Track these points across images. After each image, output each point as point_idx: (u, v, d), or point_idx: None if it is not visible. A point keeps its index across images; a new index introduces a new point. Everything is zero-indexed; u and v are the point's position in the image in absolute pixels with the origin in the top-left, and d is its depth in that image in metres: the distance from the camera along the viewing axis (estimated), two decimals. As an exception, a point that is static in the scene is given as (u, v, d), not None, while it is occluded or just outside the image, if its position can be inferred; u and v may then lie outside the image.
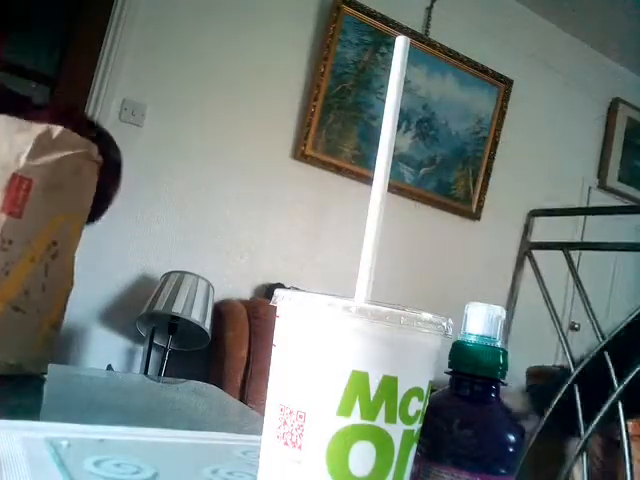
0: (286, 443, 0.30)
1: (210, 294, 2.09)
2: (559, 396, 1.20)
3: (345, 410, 0.29)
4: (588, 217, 3.11)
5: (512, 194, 2.94)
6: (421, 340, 0.31)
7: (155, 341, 2.11)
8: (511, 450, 0.33)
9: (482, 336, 0.34)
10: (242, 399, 1.97)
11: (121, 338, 2.13)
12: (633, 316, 1.25)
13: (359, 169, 2.50)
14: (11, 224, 0.64)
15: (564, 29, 3.05)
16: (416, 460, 0.32)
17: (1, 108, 0.76)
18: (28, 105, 0.87)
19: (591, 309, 1.24)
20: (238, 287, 2.33)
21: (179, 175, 2.21)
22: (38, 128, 0.69)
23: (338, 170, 2.49)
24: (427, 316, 0.31)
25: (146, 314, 2.01)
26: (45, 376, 0.64)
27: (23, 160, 0.65)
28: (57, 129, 0.70)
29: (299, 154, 2.40)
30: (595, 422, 1.14)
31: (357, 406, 0.29)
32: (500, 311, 0.35)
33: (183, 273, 2.05)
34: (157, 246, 2.16)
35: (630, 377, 1.14)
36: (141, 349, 2.17)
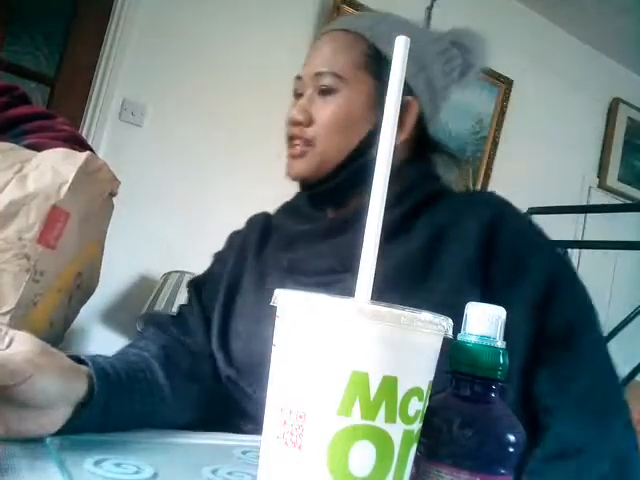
0: (286, 443, 0.30)
1: (210, 294, 2.09)
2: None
3: (345, 410, 0.29)
4: (589, 217, 3.10)
5: (512, 194, 2.92)
6: (421, 340, 0.31)
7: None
8: (511, 450, 0.33)
9: (482, 336, 0.34)
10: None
11: (121, 338, 2.13)
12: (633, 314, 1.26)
13: (359, 169, 2.50)
14: (45, 256, 0.63)
15: (564, 29, 3.05)
16: (416, 460, 0.32)
17: None
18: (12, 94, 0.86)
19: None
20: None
21: (179, 175, 2.21)
22: (80, 157, 0.68)
23: (338, 170, 2.49)
24: (427, 316, 0.31)
25: (146, 314, 2.01)
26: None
27: (64, 191, 0.64)
28: (98, 161, 0.70)
29: (299, 154, 2.40)
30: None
31: (357, 406, 0.29)
32: (500, 311, 0.35)
33: (183, 273, 2.05)
34: (157, 246, 2.16)
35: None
36: (141, 349, 2.17)
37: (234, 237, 0.86)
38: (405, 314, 0.30)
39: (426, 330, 0.30)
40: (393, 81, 0.34)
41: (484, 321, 0.35)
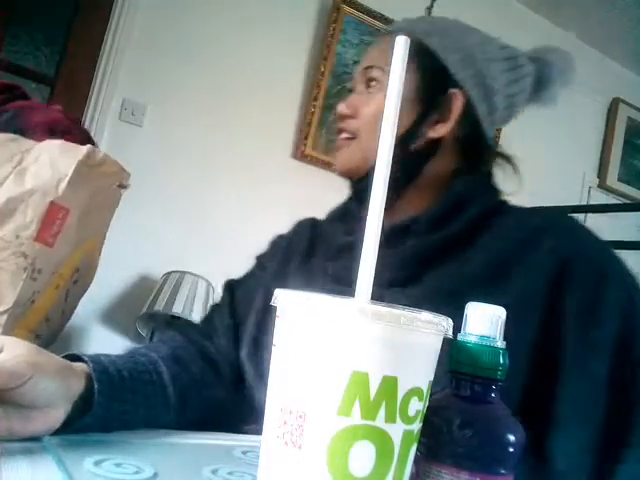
0: (286, 443, 0.30)
1: (210, 294, 2.09)
2: None
3: (345, 410, 0.29)
4: (589, 217, 3.10)
5: (512, 195, 2.93)
6: (421, 340, 0.31)
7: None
8: (511, 450, 0.33)
9: (482, 336, 0.34)
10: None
11: (121, 338, 2.13)
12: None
13: (359, 169, 2.50)
14: (43, 253, 0.62)
15: (564, 29, 3.05)
16: (416, 460, 0.32)
17: None
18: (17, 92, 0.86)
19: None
20: (238, 287, 2.32)
21: (179, 175, 2.21)
22: (81, 151, 0.67)
23: (338, 170, 2.49)
24: (427, 316, 0.31)
25: (146, 314, 2.01)
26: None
27: (63, 187, 0.63)
28: (99, 154, 0.69)
29: (299, 154, 2.40)
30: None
31: (357, 406, 0.29)
32: (500, 311, 0.35)
33: (183, 273, 2.05)
34: (157, 246, 2.16)
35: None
36: (141, 349, 2.17)
37: (278, 241, 0.85)
38: (405, 314, 0.30)
39: (426, 330, 0.30)
40: (393, 81, 0.33)
41: (484, 321, 0.35)
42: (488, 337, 0.34)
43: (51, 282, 0.65)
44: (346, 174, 0.74)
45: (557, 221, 0.66)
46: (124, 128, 2.11)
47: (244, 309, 0.75)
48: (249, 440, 0.55)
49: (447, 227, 0.66)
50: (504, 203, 0.73)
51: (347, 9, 2.48)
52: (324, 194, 2.53)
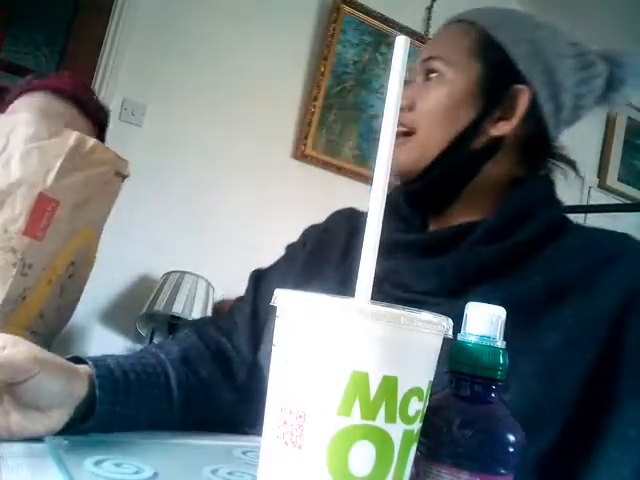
0: (286, 443, 0.30)
1: (210, 294, 2.09)
2: None
3: (345, 410, 0.29)
4: (589, 217, 3.10)
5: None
6: (421, 340, 0.31)
7: (155, 341, 2.11)
8: (511, 450, 0.33)
9: (482, 336, 0.34)
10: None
11: (121, 338, 2.13)
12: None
13: (359, 169, 2.50)
14: (33, 248, 0.60)
15: (564, 29, 3.05)
16: (416, 460, 0.32)
17: None
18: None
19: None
20: (238, 287, 2.32)
21: (179, 175, 2.21)
22: (70, 137, 0.62)
23: (338, 170, 2.49)
24: (427, 316, 0.31)
25: (146, 314, 2.01)
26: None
27: (51, 178, 0.60)
28: (90, 141, 0.64)
29: (299, 154, 2.40)
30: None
31: (357, 406, 0.29)
32: (500, 311, 0.35)
33: (183, 273, 2.05)
34: (157, 246, 2.16)
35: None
36: (141, 349, 2.17)
37: (310, 232, 0.81)
38: (405, 314, 0.30)
39: (426, 330, 0.30)
40: (393, 81, 0.33)
41: (484, 321, 0.35)
42: (488, 337, 0.34)
43: (43, 277, 0.62)
44: (404, 175, 0.68)
45: (634, 248, 0.61)
46: (124, 128, 2.11)
47: (266, 302, 0.72)
48: (249, 440, 0.56)
49: (507, 239, 0.61)
50: (566, 219, 0.68)
51: (347, 9, 2.48)
52: (324, 194, 2.54)
